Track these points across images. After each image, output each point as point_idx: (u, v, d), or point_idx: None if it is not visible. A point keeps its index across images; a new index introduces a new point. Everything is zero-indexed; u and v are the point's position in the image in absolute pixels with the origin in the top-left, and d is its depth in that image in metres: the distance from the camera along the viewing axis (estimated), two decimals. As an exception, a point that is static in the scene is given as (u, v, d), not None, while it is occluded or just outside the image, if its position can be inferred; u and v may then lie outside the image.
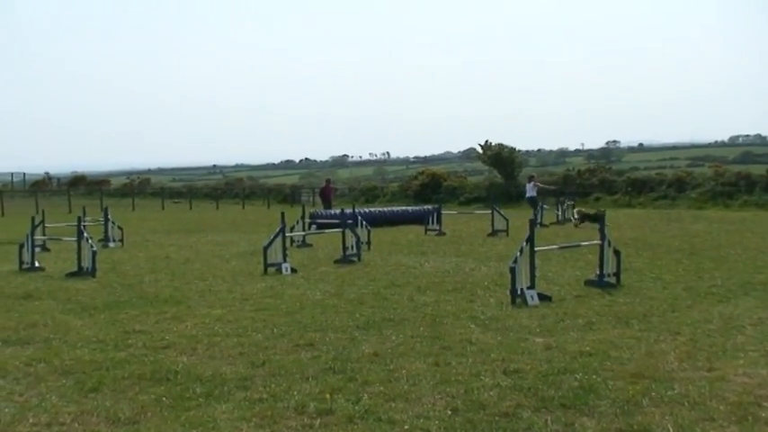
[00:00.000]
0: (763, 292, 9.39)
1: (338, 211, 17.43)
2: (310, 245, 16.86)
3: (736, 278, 10.49)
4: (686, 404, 4.95)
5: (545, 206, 24.36)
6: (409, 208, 27.40)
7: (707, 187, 33.03)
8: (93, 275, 12.00)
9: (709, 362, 6.02)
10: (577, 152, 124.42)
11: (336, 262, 13.37)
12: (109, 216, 18.59)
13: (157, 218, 32.30)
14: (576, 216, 22.21)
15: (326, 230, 16.50)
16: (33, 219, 14.55)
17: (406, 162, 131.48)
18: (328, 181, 32.49)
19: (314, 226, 19.33)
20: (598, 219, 20.70)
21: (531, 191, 26.31)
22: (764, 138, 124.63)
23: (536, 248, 9.37)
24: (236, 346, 6.92)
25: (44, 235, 16.84)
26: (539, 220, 22.73)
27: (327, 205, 28.43)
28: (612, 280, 9.98)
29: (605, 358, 6.17)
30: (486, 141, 41.88)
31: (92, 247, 12.34)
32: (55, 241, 16.46)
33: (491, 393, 5.28)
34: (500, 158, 40.86)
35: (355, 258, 13.54)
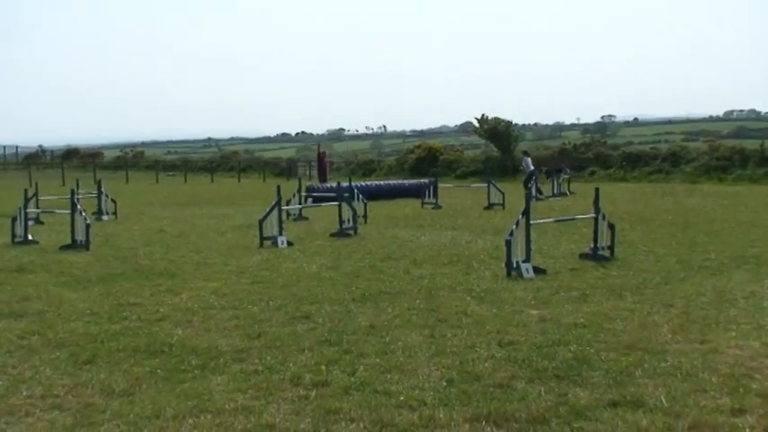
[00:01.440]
0: (755, 265, 9.42)
1: (334, 185, 17.39)
2: (306, 218, 16.85)
3: (730, 252, 10.52)
4: (679, 376, 4.99)
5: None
6: (405, 182, 27.34)
7: (701, 162, 33.02)
8: (87, 248, 11.97)
9: (701, 334, 6.05)
10: (573, 126, 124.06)
11: (333, 235, 13.37)
12: (102, 189, 18.51)
13: (152, 191, 32.20)
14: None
15: (323, 204, 16.48)
16: (26, 192, 14.49)
17: (402, 136, 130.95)
18: (323, 153, 31.49)
19: (310, 199, 19.29)
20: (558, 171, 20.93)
21: (531, 164, 25.90)
22: (759, 113, 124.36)
23: (531, 222, 9.37)
24: (231, 318, 6.93)
25: (37, 208, 16.77)
26: (536, 194, 22.48)
27: (323, 178, 28.23)
28: (606, 253, 10.01)
29: (599, 330, 6.20)
30: (483, 115, 41.65)
31: (85, 220, 12.30)
32: (48, 214, 16.40)
33: (486, 365, 5.31)
34: (496, 132, 40.66)
35: (351, 232, 13.53)
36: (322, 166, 29.53)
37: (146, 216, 18.64)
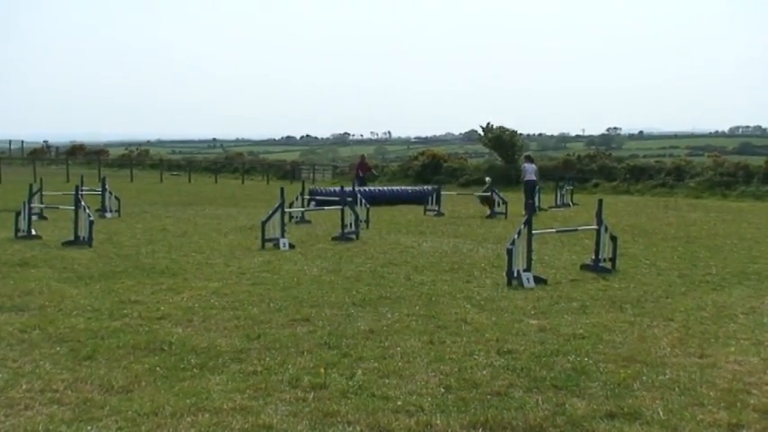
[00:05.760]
0: (756, 281, 9.42)
1: (337, 189, 17.41)
2: (309, 221, 16.87)
3: (731, 267, 10.52)
4: (676, 389, 5.00)
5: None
6: (409, 188, 27.33)
7: (705, 177, 32.97)
8: (90, 245, 12.00)
9: (700, 348, 6.06)
10: (578, 138, 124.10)
11: (334, 239, 13.38)
12: (107, 186, 18.56)
13: (156, 190, 32.24)
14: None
15: (325, 207, 16.51)
16: (31, 187, 14.56)
17: (407, 142, 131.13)
18: (363, 157, 32.30)
19: (313, 203, 19.31)
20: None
21: (534, 174, 22.33)
22: (764, 129, 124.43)
23: (533, 231, 9.38)
24: (231, 318, 6.95)
25: (41, 203, 16.81)
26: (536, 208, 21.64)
27: (361, 182, 27.85)
28: (608, 265, 10.01)
29: (598, 341, 6.21)
30: (488, 124, 41.68)
31: (89, 216, 12.33)
32: (52, 210, 16.44)
33: (484, 372, 5.32)
34: (501, 141, 40.66)
35: (353, 236, 13.55)
36: (360, 170, 29.58)
37: (149, 215, 18.68)
